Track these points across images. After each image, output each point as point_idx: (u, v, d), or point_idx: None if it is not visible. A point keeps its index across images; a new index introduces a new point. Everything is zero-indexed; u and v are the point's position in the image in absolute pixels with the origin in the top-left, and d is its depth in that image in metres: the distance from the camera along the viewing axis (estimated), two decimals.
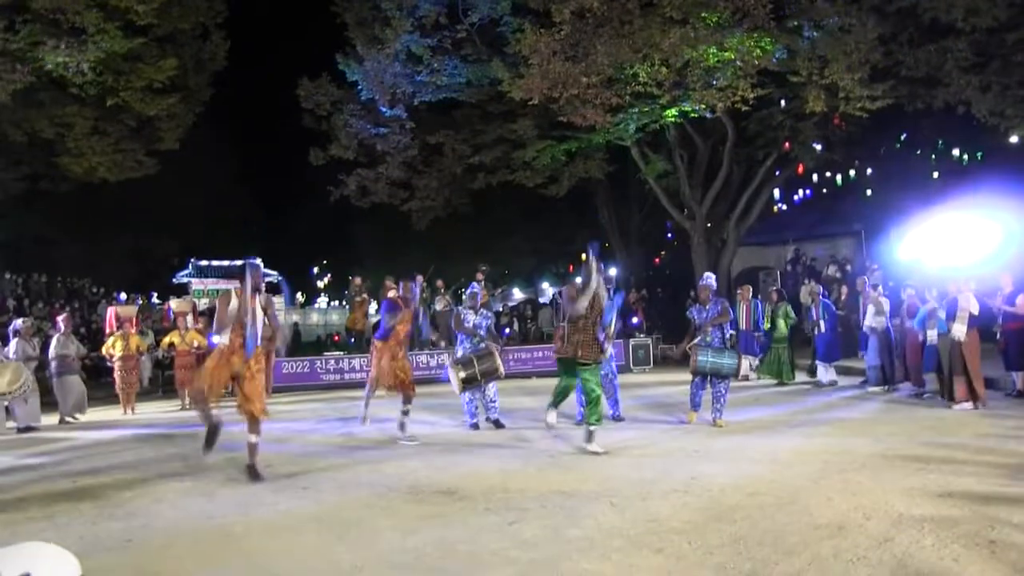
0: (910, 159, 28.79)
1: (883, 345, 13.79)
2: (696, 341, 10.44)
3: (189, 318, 17.20)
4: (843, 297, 16.38)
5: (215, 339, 7.80)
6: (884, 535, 5.15)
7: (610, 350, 10.01)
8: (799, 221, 30.90)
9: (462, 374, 9.87)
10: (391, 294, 10.72)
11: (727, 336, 10.59)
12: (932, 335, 11.94)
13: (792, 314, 15.80)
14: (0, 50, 17.75)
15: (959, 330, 11.15)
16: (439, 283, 19.61)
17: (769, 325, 15.91)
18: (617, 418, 10.90)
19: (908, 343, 13.02)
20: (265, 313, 7.80)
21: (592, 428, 8.57)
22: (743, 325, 17.04)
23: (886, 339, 13.73)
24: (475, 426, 10.83)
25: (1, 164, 21.99)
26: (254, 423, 7.75)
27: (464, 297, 11.41)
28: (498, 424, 10.79)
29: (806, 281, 21.48)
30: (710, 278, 10.80)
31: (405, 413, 10.00)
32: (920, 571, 4.49)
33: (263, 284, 8.04)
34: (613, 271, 25.92)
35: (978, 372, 11.23)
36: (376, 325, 11.99)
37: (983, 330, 11.71)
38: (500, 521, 5.90)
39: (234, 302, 7.64)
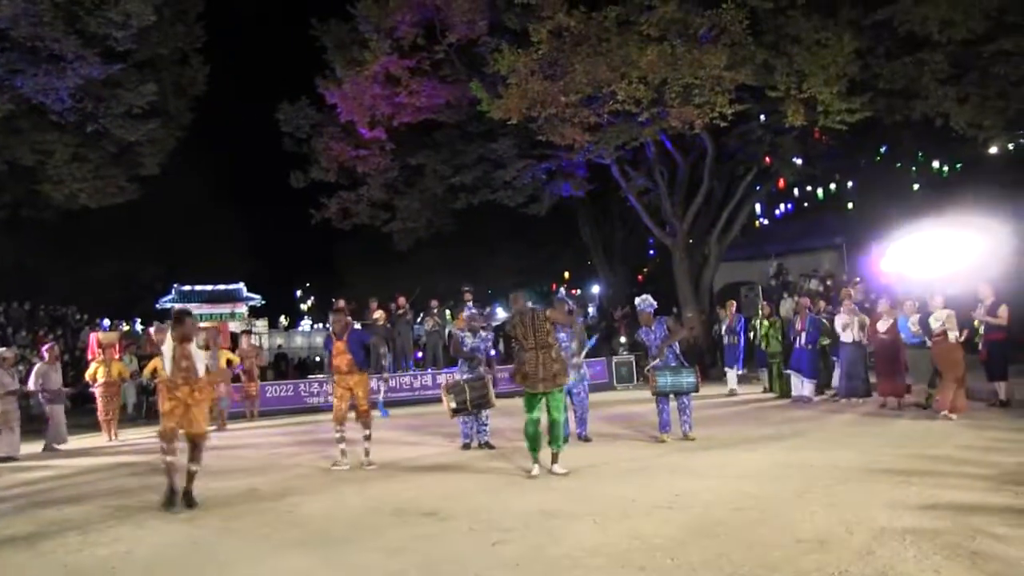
0: (891, 172, 29.04)
1: (858, 357, 13.85)
2: (653, 364, 10.58)
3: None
4: (822, 312, 16.39)
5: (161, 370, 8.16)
6: (867, 548, 5.16)
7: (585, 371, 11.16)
8: (781, 235, 31.09)
9: (452, 403, 9.80)
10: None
11: (679, 354, 10.76)
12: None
13: (778, 332, 15.80)
14: None
15: (952, 336, 11.37)
16: (432, 302, 19.44)
17: (765, 342, 15.92)
18: (584, 438, 10.91)
19: (883, 356, 13.13)
20: (206, 349, 8.15)
21: (555, 451, 8.59)
22: (727, 340, 17.11)
23: (861, 351, 13.81)
24: (467, 446, 10.86)
25: None
26: (196, 449, 8.00)
27: (462, 318, 11.33)
28: (488, 446, 10.80)
29: (785, 296, 21.57)
30: (646, 302, 10.84)
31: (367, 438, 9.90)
32: None
33: (196, 334, 8.22)
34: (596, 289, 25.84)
35: (961, 383, 11.31)
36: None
37: (964, 342, 11.79)
38: (484, 541, 5.89)
39: (167, 345, 8.09)
